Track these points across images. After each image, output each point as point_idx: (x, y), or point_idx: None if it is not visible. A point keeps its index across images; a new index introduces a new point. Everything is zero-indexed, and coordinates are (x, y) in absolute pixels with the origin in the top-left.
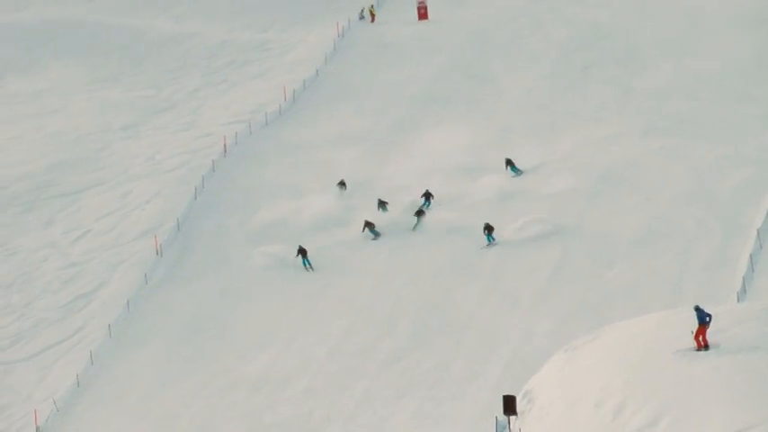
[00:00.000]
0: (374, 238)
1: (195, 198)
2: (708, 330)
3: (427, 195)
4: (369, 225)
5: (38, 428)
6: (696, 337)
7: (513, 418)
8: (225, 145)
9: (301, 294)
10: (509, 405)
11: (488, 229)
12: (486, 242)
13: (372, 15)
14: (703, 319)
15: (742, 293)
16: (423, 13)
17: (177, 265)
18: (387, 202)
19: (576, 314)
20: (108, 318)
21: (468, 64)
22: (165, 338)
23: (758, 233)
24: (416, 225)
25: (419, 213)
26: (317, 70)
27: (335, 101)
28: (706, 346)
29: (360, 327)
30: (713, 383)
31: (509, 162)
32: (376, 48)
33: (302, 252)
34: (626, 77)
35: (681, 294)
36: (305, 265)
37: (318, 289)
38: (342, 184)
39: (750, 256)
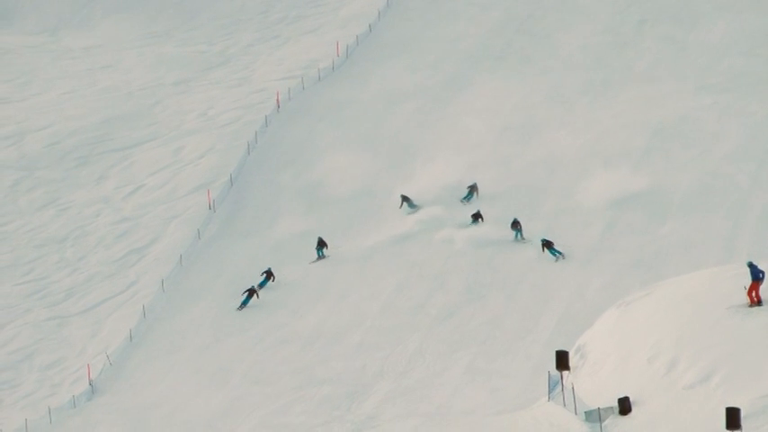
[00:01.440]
0: (412, 212)
1: (248, 153)
2: (761, 286)
3: (473, 188)
4: (405, 199)
5: (91, 382)
6: (749, 293)
7: (565, 373)
8: (278, 100)
9: (352, 246)
10: (562, 360)
11: (516, 224)
12: (515, 238)
13: None
14: (756, 275)
15: None
16: None
17: (230, 221)
18: (410, 199)
19: (629, 270)
20: (161, 273)
21: (522, 20)
22: (218, 293)
23: None
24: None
25: (475, 217)
26: (369, 26)
27: (388, 57)
28: (759, 302)
29: (412, 283)
30: (766, 339)
31: (546, 244)
32: (429, 3)
33: (321, 243)
34: (680, 33)
35: (734, 250)
36: (319, 254)
37: (371, 245)
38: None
39: None
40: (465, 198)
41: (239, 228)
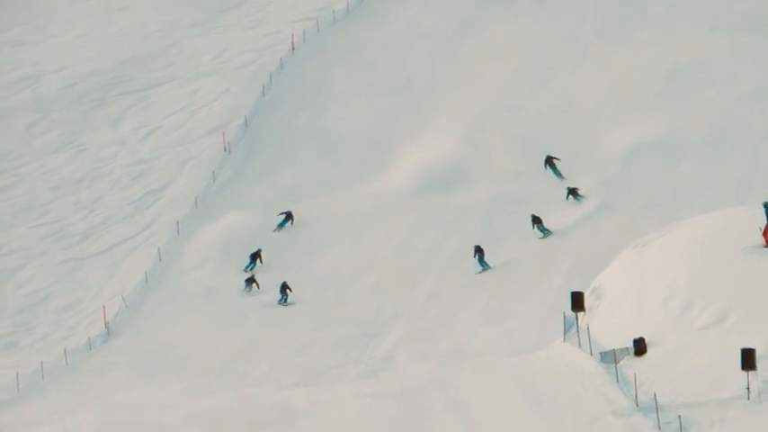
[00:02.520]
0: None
1: (263, 96)
2: None
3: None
4: (572, 192)
5: (107, 324)
6: (764, 234)
7: (580, 314)
8: (293, 43)
9: (368, 188)
10: (577, 301)
11: (536, 220)
12: (480, 268)
13: None
14: None
15: None
16: None
17: (245, 163)
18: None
19: (645, 211)
20: (176, 215)
21: None
22: (234, 235)
23: None
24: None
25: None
26: None
27: None
28: None
29: (427, 224)
30: None
31: (549, 161)
32: None
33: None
34: None
35: (749, 192)
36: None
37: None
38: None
39: None
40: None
41: (254, 170)
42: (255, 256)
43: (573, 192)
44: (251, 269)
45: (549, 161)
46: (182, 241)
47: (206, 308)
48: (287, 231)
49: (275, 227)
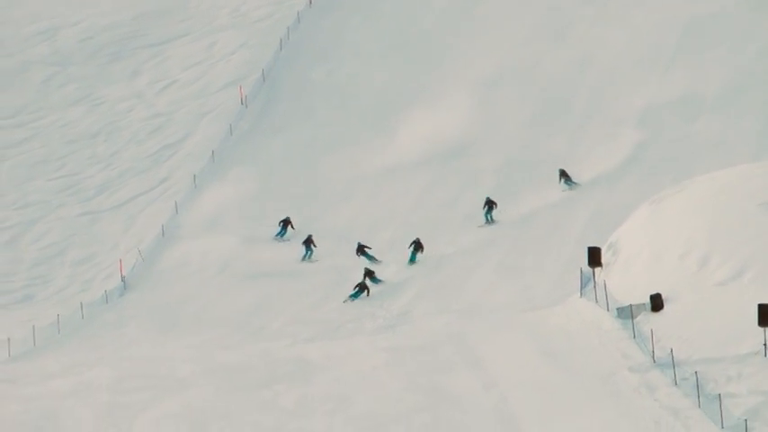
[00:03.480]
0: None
1: (280, 49)
2: None
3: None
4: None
5: (123, 278)
6: None
7: (597, 269)
8: None
9: (385, 141)
10: (594, 257)
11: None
12: (484, 221)
13: None
14: None
15: None
16: None
17: (262, 116)
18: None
19: (661, 167)
20: (193, 168)
21: None
22: (250, 189)
23: None
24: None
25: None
26: None
27: None
28: None
29: (443, 180)
30: None
31: (563, 174)
32: None
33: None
34: None
35: (766, 147)
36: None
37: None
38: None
39: None
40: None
41: (271, 123)
42: (286, 223)
43: (564, 174)
44: (281, 236)
45: (564, 174)
46: (199, 194)
47: (225, 261)
48: (302, 185)
49: (275, 236)
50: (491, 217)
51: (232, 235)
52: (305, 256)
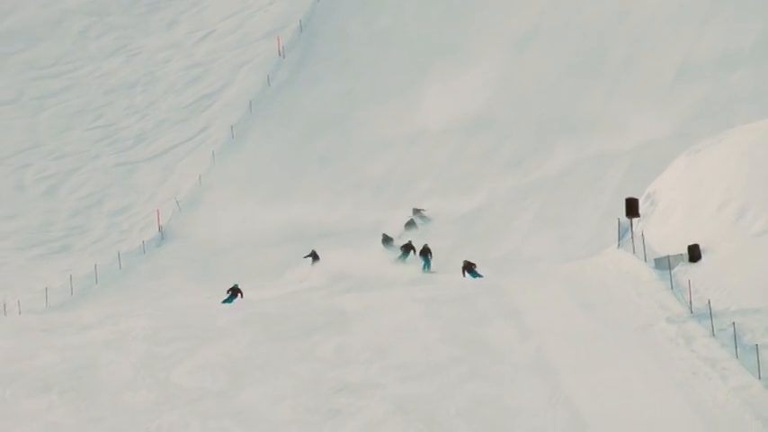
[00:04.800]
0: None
1: (317, 0)
2: None
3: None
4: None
5: (160, 228)
6: None
7: (635, 220)
8: None
9: (421, 97)
10: (631, 207)
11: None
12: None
13: None
14: None
15: None
16: None
17: (300, 67)
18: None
19: (699, 117)
20: (230, 118)
21: None
22: (288, 139)
23: None
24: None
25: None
26: None
27: None
28: None
29: (483, 129)
30: None
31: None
32: None
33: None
34: None
35: None
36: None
37: (439, 90)
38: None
39: None
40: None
41: (309, 74)
42: (235, 292)
43: (417, 212)
44: (229, 302)
45: (467, 267)
46: (236, 145)
47: (261, 210)
48: (340, 135)
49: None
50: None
51: (270, 186)
52: (424, 266)
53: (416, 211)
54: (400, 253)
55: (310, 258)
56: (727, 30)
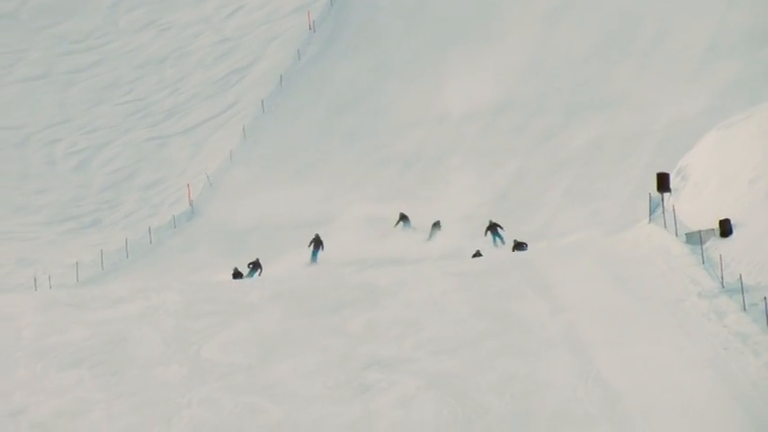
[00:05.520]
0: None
1: None
2: None
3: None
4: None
5: (191, 202)
6: None
7: (666, 194)
8: None
9: (452, 71)
10: (662, 182)
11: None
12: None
13: None
14: None
15: None
16: None
17: (330, 41)
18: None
19: (730, 92)
20: (261, 93)
21: None
22: (319, 114)
23: None
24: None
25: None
26: None
27: None
28: None
29: (512, 103)
30: None
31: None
32: None
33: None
34: None
35: None
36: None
37: (469, 65)
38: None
39: None
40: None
41: (340, 49)
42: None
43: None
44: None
45: (492, 227)
46: (267, 120)
47: (291, 186)
48: (370, 110)
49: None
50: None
51: (299, 161)
52: (495, 240)
53: (436, 225)
54: (430, 230)
55: (313, 245)
56: (757, 4)
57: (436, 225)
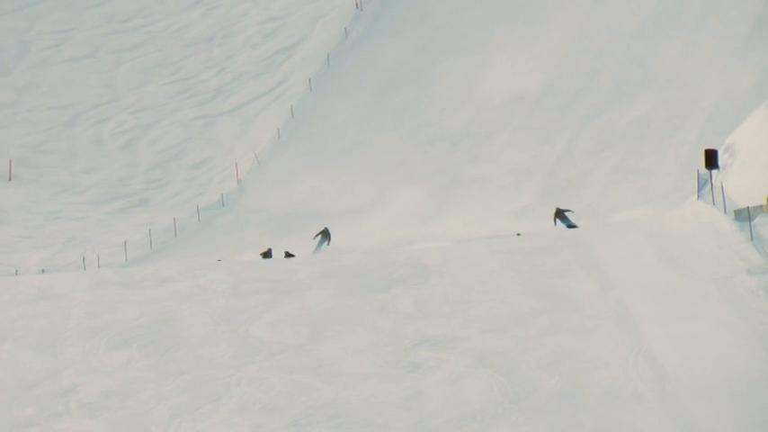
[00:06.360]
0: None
1: None
2: None
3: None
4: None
5: (239, 181)
6: None
7: (714, 171)
8: None
9: (500, 49)
10: (710, 159)
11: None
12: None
13: None
14: None
15: None
16: None
17: (377, 20)
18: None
19: None
20: (308, 72)
21: None
22: (366, 93)
23: None
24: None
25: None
26: None
27: None
28: None
29: (561, 81)
30: None
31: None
32: None
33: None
34: None
35: None
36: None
37: (517, 43)
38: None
39: None
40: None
41: (387, 27)
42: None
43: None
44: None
45: (559, 214)
46: (315, 99)
47: (338, 164)
48: (418, 88)
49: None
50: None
51: (349, 137)
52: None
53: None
54: (318, 240)
55: (319, 237)
56: None
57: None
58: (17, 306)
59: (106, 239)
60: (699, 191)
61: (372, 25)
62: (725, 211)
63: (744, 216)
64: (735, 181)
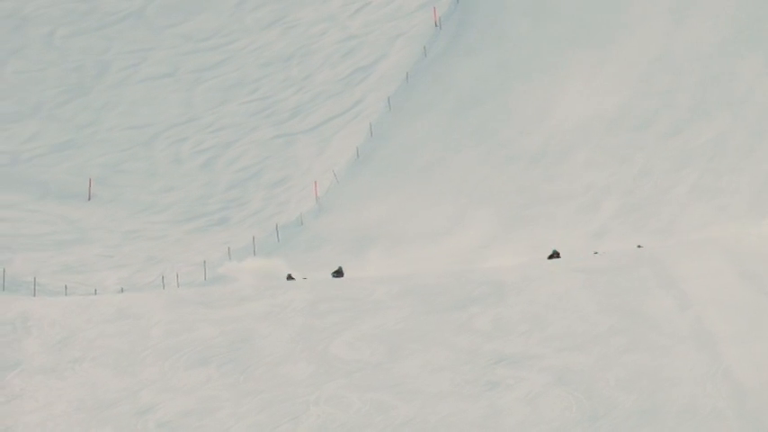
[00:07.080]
0: None
1: None
2: None
3: None
4: None
5: (318, 199)
6: None
7: None
8: None
9: (578, 67)
10: None
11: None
12: None
13: None
14: None
15: None
16: None
17: (456, 38)
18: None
19: None
20: (387, 90)
21: None
22: (445, 111)
23: None
24: None
25: None
26: None
27: None
28: None
29: (638, 100)
30: None
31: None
32: None
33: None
34: None
35: None
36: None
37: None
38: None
39: None
40: None
41: (465, 45)
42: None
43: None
44: None
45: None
46: (393, 117)
47: (417, 183)
48: (497, 107)
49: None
50: None
51: (428, 155)
52: None
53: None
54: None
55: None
56: None
57: (338, 273)
58: (95, 326)
59: (185, 258)
60: None
61: (451, 44)
62: None
63: None
64: None
